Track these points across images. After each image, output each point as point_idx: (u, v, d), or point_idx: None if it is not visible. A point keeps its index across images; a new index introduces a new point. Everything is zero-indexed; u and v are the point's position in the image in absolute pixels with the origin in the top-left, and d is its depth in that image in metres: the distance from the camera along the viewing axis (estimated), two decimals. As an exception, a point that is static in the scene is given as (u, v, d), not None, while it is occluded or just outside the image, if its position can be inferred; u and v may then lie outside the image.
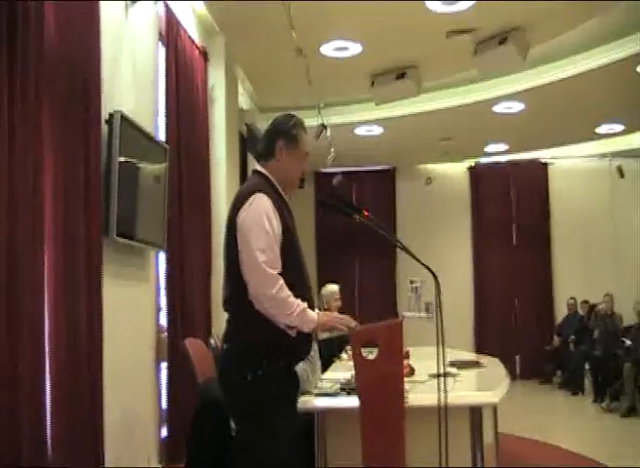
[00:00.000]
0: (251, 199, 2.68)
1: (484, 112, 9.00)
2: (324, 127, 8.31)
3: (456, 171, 12.39)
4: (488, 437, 3.82)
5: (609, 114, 9.37)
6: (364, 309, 11.44)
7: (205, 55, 6.81)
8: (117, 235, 4.39)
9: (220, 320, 5.40)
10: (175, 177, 5.65)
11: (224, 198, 6.80)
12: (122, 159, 4.52)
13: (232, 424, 2.90)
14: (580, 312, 10.99)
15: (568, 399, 9.70)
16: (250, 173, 3.84)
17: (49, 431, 3.39)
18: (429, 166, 12.30)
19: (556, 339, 11.06)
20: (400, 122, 9.41)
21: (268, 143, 2.88)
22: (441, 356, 2.60)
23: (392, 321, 2.83)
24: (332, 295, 6.09)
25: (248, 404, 2.64)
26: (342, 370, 4.10)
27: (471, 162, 12.32)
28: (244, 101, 8.47)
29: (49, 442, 3.38)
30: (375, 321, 2.91)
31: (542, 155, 11.97)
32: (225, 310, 2.80)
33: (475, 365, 4.40)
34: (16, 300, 3.13)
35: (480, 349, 11.12)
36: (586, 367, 9.64)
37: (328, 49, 7.24)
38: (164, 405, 5.51)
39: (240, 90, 8.11)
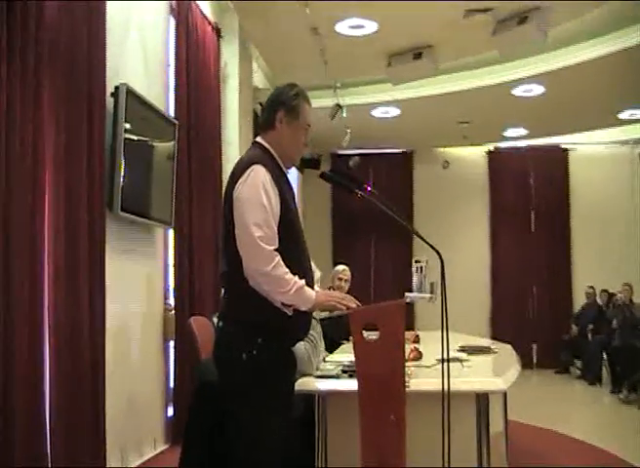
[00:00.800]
0: (248, 171, 2.56)
1: (503, 95, 8.80)
2: (339, 107, 8.19)
3: (474, 155, 12.18)
4: (497, 425, 3.71)
5: (632, 99, 9.11)
6: (379, 292, 11.40)
7: (218, 31, 6.70)
8: (122, 210, 4.31)
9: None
10: (184, 154, 5.57)
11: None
12: (129, 135, 4.44)
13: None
14: (599, 301, 10.81)
15: (585, 389, 9.53)
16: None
17: (47, 416, 3.33)
18: (447, 149, 12.12)
19: (574, 328, 10.89)
20: (417, 104, 9.23)
21: (268, 114, 2.76)
22: (445, 339, 2.50)
23: (394, 302, 2.70)
24: (335, 275, 6.02)
25: (242, 383, 2.54)
26: (349, 353, 4.00)
27: (490, 146, 12.13)
28: (259, 80, 8.34)
29: (47, 428, 3.32)
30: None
31: (563, 140, 11.74)
32: (222, 286, 2.71)
33: (487, 351, 4.27)
34: (12, 276, 3.06)
35: (496, 336, 10.99)
36: (604, 357, 9.49)
37: (343, 27, 7.10)
38: (172, 384, 5.46)
39: (255, 68, 7.99)
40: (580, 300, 11.34)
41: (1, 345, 2.93)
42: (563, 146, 11.88)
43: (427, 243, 2.57)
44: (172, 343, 5.44)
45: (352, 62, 8.03)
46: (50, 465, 3.29)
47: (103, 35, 4.13)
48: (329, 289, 5.65)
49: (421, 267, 3.97)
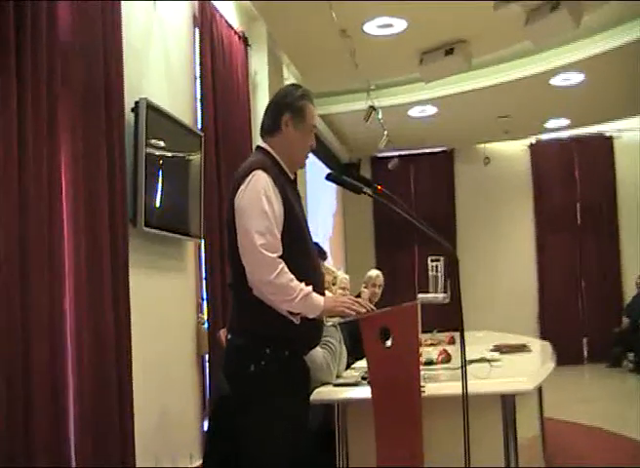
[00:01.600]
0: (249, 177, 2.50)
1: (541, 85, 8.60)
2: (373, 109, 8.12)
3: (515, 149, 11.93)
4: (532, 427, 3.57)
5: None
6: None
7: (245, 40, 6.66)
8: (146, 225, 4.31)
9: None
10: (213, 166, 5.55)
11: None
12: (151, 150, 4.43)
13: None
14: (650, 291, 10.47)
15: (639, 384, 9.22)
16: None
17: (72, 432, 3.33)
18: (487, 145, 11.86)
19: (625, 321, 10.58)
20: (454, 101, 9.09)
21: (273, 117, 2.67)
22: (462, 341, 2.41)
23: (406, 304, 2.61)
24: (369, 281, 6.04)
25: (252, 396, 2.48)
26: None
27: (531, 139, 11.86)
28: (291, 87, 8.29)
29: (72, 444, 3.31)
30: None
31: (607, 129, 11.38)
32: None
33: (522, 349, 4.13)
34: (30, 293, 3.06)
35: (545, 333, 10.77)
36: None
37: (372, 27, 7.01)
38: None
39: (286, 75, 7.95)
40: (630, 292, 11.02)
41: (20, 364, 2.93)
42: (607, 134, 11.52)
43: (442, 243, 2.48)
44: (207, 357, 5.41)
45: (384, 63, 7.93)
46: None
47: (120, 50, 4.14)
48: (357, 295, 5.57)
49: (436, 266, 3.84)
